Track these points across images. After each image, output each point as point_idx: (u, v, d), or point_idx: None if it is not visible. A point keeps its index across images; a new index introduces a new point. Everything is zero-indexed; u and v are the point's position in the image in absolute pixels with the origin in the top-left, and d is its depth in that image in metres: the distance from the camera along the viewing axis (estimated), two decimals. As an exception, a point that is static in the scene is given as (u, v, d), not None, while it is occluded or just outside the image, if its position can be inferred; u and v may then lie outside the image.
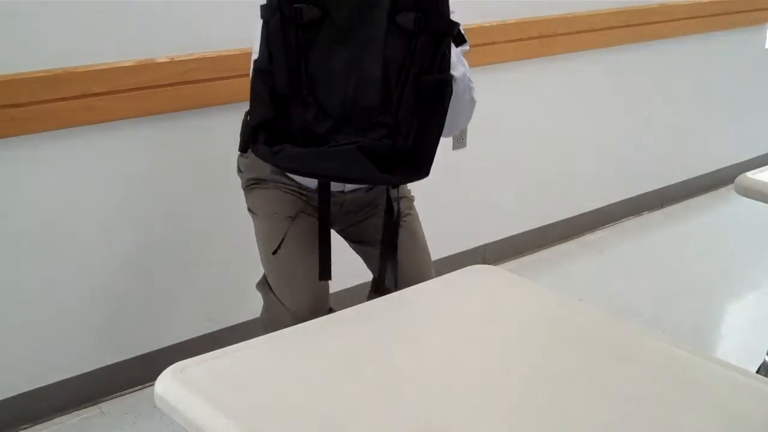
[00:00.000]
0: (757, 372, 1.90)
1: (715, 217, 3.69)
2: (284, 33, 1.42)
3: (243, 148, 1.75)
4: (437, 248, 2.82)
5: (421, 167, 1.46)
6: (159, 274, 2.28)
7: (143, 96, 2.09)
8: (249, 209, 1.85)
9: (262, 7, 1.45)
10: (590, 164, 3.35)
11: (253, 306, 2.49)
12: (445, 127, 1.49)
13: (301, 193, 1.76)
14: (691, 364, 1.17)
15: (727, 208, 3.74)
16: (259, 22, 1.52)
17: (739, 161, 3.96)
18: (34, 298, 2.09)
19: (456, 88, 1.47)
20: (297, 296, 1.72)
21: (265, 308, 1.88)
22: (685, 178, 3.81)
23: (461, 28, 1.45)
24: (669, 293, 2.93)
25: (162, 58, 2.10)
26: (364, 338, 1.22)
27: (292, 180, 1.74)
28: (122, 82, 2.05)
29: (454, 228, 2.94)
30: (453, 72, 1.46)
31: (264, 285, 1.84)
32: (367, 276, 1.90)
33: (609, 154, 3.42)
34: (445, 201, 2.87)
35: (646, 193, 3.65)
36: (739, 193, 1.94)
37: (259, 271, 2.50)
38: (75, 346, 2.18)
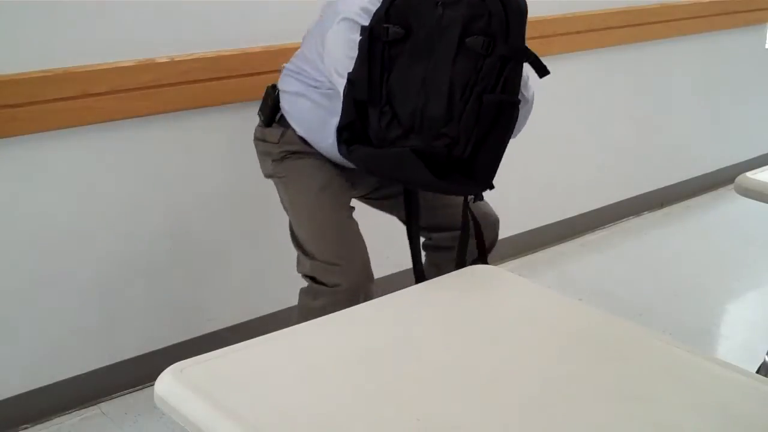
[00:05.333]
0: (757, 372, 1.89)
1: (715, 217, 3.69)
2: (372, 49, 1.58)
3: (268, 123, 1.94)
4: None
5: (477, 178, 1.59)
6: (159, 274, 2.28)
7: (143, 96, 2.08)
8: (278, 176, 1.95)
9: (362, 27, 1.61)
10: (590, 164, 3.35)
11: (254, 306, 2.49)
12: None
13: (334, 163, 1.90)
14: (691, 364, 1.17)
15: (727, 208, 3.73)
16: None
17: (739, 161, 3.96)
18: (34, 298, 2.08)
19: (527, 106, 1.68)
20: (353, 259, 1.84)
21: (307, 292, 1.91)
22: (685, 178, 3.80)
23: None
24: (669, 293, 2.93)
25: (162, 58, 2.10)
26: (364, 338, 1.22)
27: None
28: (122, 82, 2.05)
29: (454, 228, 2.93)
30: (525, 92, 1.63)
31: (307, 261, 1.88)
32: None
33: (609, 154, 3.42)
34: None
35: (646, 193, 3.65)
36: (739, 193, 1.94)
37: (258, 269, 2.50)
38: (75, 346, 2.18)
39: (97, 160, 2.10)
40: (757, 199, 1.91)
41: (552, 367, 1.14)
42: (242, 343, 1.18)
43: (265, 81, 2.28)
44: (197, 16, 2.16)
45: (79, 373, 2.20)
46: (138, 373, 2.27)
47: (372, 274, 1.85)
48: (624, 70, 3.33)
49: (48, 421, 2.17)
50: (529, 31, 1.57)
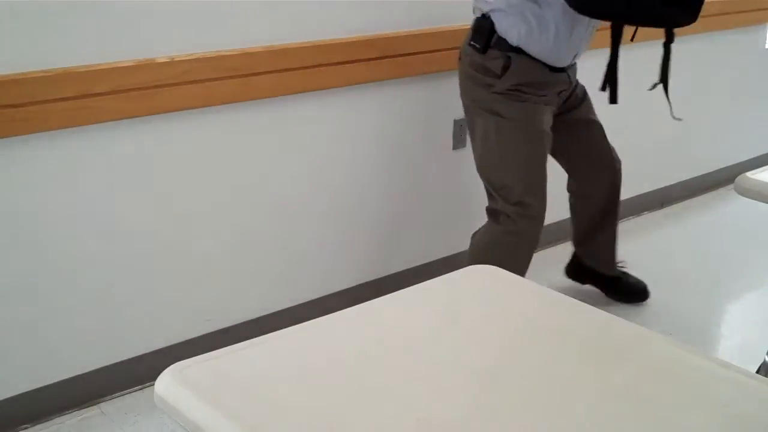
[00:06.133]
0: (757, 372, 1.89)
1: (715, 217, 3.69)
2: None
3: (484, 49, 2.15)
4: (438, 248, 2.83)
5: (693, 12, 2.11)
6: (158, 273, 2.28)
7: (143, 96, 2.08)
8: (496, 114, 2.18)
9: None
10: (590, 164, 3.35)
11: (253, 305, 2.49)
12: None
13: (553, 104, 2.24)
14: (691, 364, 1.17)
15: (727, 208, 3.73)
16: None
17: (739, 161, 3.96)
18: (33, 298, 2.09)
19: None
20: (543, 201, 2.28)
21: (501, 225, 2.29)
22: (685, 178, 3.80)
23: None
24: (669, 293, 2.93)
25: (162, 58, 2.10)
26: (364, 338, 1.22)
27: (551, 83, 2.22)
28: (122, 82, 2.05)
29: (455, 227, 2.93)
30: None
31: (500, 200, 2.26)
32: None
33: (609, 154, 3.41)
34: (445, 200, 2.87)
35: (646, 193, 3.65)
36: (739, 193, 1.94)
37: (256, 270, 2.50)
38: (75, 346, 2.18)
39: (96, 161, 2.10)
40: (757, 199, 1.91)
41: (552, 367, 1.14)
42: (242, 343, 1.18)
43: (266, 81, 2.29)
44: (197, 16, 2.16)
45: (79, 373, 2.20)
46: (138, 373, 2.28)
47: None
48: (624, 70, 3.32)
49: (48, 421, 2.17)
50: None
